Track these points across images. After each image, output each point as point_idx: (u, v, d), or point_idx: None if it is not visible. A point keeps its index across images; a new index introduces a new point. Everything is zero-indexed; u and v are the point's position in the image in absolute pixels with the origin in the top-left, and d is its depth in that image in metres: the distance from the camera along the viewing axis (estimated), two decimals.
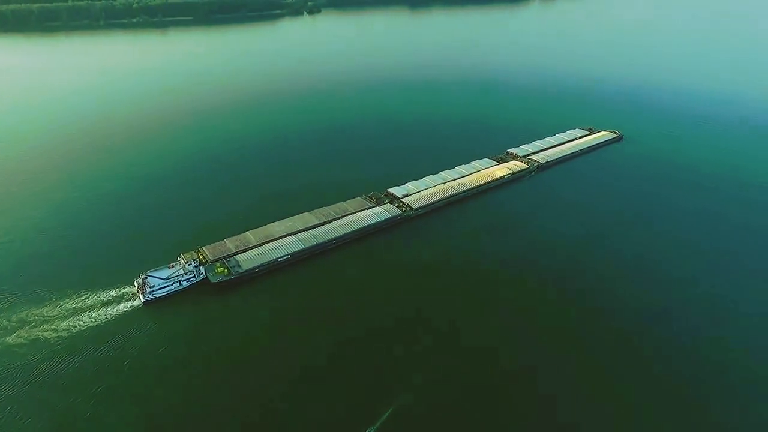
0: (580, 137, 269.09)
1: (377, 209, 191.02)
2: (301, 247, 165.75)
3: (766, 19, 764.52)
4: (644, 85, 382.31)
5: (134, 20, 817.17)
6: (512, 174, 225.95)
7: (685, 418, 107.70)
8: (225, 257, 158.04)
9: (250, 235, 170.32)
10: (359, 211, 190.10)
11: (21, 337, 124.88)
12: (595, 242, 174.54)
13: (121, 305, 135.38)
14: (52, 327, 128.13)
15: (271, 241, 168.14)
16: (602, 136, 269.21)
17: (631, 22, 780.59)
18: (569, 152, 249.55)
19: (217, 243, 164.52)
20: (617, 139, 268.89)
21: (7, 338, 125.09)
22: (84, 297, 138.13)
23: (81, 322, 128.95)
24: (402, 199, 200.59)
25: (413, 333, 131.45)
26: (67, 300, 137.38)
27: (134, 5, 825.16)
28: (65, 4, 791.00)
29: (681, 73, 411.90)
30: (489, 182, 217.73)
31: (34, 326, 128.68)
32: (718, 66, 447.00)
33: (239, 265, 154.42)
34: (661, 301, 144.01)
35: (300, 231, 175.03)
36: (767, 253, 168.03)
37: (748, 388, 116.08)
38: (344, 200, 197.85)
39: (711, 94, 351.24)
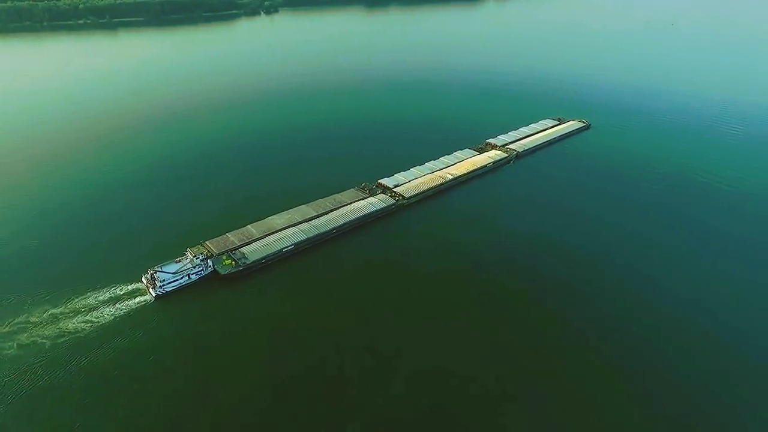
0: (551, 127, 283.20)
1: (372, 199, 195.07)
2: (303, 237, 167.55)
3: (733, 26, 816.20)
4: (607, 79, 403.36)
5: (80, 22, 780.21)
6: (494, 162, 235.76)
7: None
8: (230, 250, 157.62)
9: (252, 229, 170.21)
10: (354, 201, 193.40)
11: (35, 336, 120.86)
12: (572, 229, 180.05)
13: (134, 300, 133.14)
14: (61, 326, 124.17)
15: (273, 233, 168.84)
16: (572, 125, 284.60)
17: (582, 22, 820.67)
18: (544, 140, 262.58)
19: (220, 237, 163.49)
20: (586, 128, 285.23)
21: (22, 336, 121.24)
22: (93, 295, 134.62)
23: (93, 319, 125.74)
24: (393, 189, 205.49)
25: (418, 328, 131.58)
26: (76, 298, 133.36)
27: (80, 6, 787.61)
28: (3, 5, 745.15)
29: (639, 73, 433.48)
30: (474, 170, 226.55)
31: (42, 327, 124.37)
32: (673, 65, 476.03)
33: (245, 257, 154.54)
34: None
35: (300, 222, 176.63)
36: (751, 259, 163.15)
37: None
38: (338, 192, 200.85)
39: (666, 91, 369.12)
